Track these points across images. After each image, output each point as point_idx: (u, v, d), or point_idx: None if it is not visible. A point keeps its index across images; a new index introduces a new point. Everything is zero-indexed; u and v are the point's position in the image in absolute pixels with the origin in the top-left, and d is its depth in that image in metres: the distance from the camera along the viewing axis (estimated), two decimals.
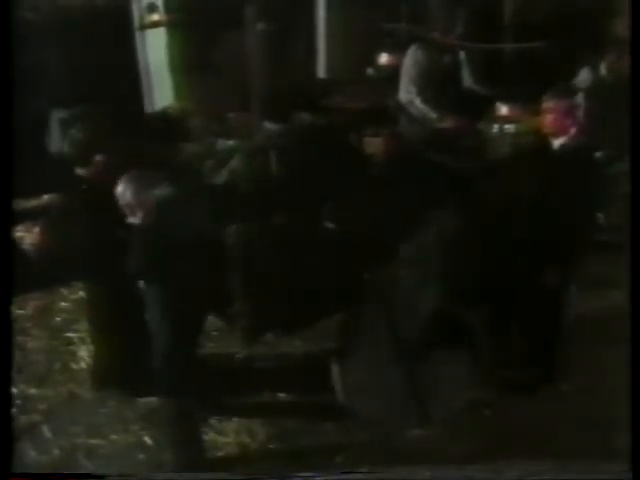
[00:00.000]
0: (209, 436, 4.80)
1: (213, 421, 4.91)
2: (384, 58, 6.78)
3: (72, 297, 6.11)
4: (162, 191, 4.47)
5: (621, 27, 5.37)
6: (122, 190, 4.49)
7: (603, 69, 5.59)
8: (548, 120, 4.81)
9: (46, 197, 6.97)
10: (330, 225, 4.93)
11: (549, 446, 4.48)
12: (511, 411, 4.81)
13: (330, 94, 7.83)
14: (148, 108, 8.24)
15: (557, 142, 4.81)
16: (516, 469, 4.30)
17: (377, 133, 5.56)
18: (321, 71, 8.59)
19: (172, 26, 8.22)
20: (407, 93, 6.24)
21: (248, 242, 4.56)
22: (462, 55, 6.31)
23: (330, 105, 7.49)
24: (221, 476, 4.51)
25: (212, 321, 5.59)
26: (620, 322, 5.12)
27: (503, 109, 4.99)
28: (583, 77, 5.49)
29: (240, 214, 4.64)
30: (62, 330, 5.77)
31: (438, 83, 6.16)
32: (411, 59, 6.26)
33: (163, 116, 8.22)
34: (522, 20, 5.86)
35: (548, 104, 4.81)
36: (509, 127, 4.80)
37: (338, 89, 7.93)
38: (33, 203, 6.84)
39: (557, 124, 4.78)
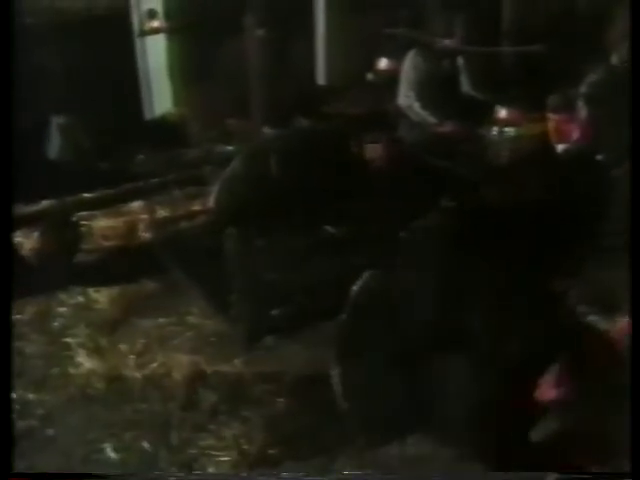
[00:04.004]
0: (207, 442, 4.78)
1: (212, 426, 4.87)
2: (383, 63, 6.79)
3: (70, 302, 6.06)
4: None
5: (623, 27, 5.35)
6: None
7: (615, 59, 5.57)
8: (551, 128, 4.81)
9: (45, 203, 6.97)
10: (330, 229, 4.94)
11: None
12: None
13: (329, 101, 7.84)
14: (147, 114, 8.27)
15: (559, 147, 4.80)
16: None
17: (376, 139, 5.57)
18: (320, 78, 8.60)
19: (172, 33, 8.26)
20: (406, 97, 6.25)
21: (248, 245, 4.55)
22: (461, 60, 6.32)
23: (329, 111, 7.51)
24: (222, 476, 4.49)
25: (210, 326, 5.64)
26: None
27: (502, 112, 4.98)
28: (588, 79, 5.46)
29: (239, 216, 4.64)
30: (60, 335, 5.72)
31: (437, 88, 6.17)
32: (410, 64, 6.27)
33: (162, 122, 8.26)
34: (521, 24, 5.86)
35: (550, 112, 4.80)
36: (509, 130, 4.80)
37: (337, 96, 7.94)
38: (32, 209, 6.83)
39: (560, 132, 4.78)
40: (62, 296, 6.11)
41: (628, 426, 3.61)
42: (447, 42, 6.03)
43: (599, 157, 4.81)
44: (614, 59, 5.75)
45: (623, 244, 5.11)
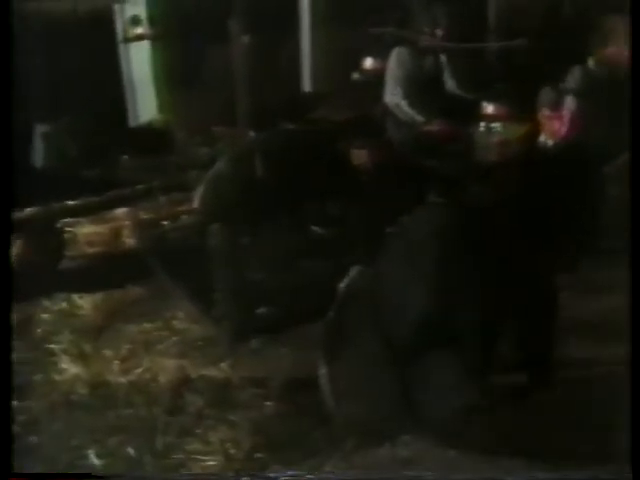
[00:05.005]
0: (193, 446, 4.69)
1: (198, 430, 4.79)
2: (369, 62, 6.75)
3: (54, 308, 6.01)
4: None
5: (609, 24, 5.35)
6: None
7: (591, 63, 5.57)
8: (540, 123, 4.78)
9: (29, 210, 6.90)
10: (317, 229, 4.88)
11: (545, 450, 4.38)
12: (505, 416, 4.70)
13: (315, 107, 7.80)
14: (132, 121, 8.22)
15: (547, 144, 4.77)
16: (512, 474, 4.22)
17: (363, 145, 5.54)
18: (306, 85, 8.57)
19: (156, 39, 8.21)
20: (392, 95, 6.20)
21: (233, 244, 4.49)
22: (444, 58, 6.27)
23: (315, 118, 7.46)
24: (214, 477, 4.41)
25: (197, 331, 5.58)
26: (612, 325, 5.08)
27: (489, 108, 4.94)
28: (573, 75, 5.46)
29: (224, 216, 4.59)
30: (44, 341, 5.66)
31: (423, 86, 6.12)
32: (395, 60, 6.22)
33: (148, 129, 8.21)
34: (506, 21, 5.85)
35: (539, 108, 4.78)
36: (496, 125, 4.75)
37: (323, 102, 7.90)
38: (16, 216, 6.75)
39: (548, 128, 4.75)
40: (46, 302, 6.05)
41: (628, 426, 3.57)
42: (432, 39, 6.00)
43: (589, 154, 4.79)
44: (590, 62, 5.73)
45: (614, 242, 5.10)
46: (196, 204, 5.17)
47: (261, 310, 4.50)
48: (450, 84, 6.23)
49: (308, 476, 4.33)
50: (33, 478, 4.08)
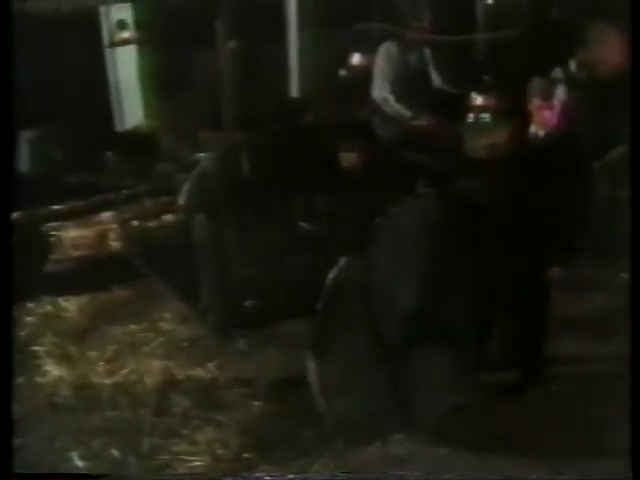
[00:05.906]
0: (180, 447, 4.59)
1: (185, 431, 4.70)
2: (356, 58, 6.70)
3: (38, 311, 5.99)
4: None
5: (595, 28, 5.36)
6: None
7: (573, 66, 5.56)
8: (529, 117, 4.75)
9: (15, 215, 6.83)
10: (304, 225, 4.83)
11: (541, 448, 4.31)
12: (498, 414, 4.63)
13: (304, 112, 7.75)
14: (119, 126, 8.15)
15: (538, 135, 4.73)
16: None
17: (352, 147, 5.49)
18: (294, 87, 8.51)
19: (143, 44, 8.14)
20: (380, 90, 6.15)
21: (219, 240, 4.44)
22: (430, 53, 6.22)
23: (305, 123, 7.41)
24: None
25: (183, 332, 5.52)
26: (606, 322, 5.05)
27: (478, 99, 4.89)
28: (562, 70, 5.45)
29: (210, 213, 4.54)
30: (27, 344, 5.59)
31: (411, 80, 6.08)
32: (383, 55, 6.18)
33: (134, 134, 8.14)
34: (494, 15, 5.82)
35: (530, 100, 4.75)
36: (485, 116, 4.70)
37: (311, 107, 7.84)
38: None
39: (539, 119, 4.71)
40: (30, 305, 6.00)
41: (627, 424, 3.52)
42: (419, 33, 5.96)
43: (580, 145, 4.75)
44: (572, 65, 5.69)
45: (606, 238, 5.06)
46: (182, 201, 5.11)
47: (248, 304, 4.44)
48: (436, 79, 6.19)
49: (298, 476, 4.26)
50: (33, 478, 4.07)
